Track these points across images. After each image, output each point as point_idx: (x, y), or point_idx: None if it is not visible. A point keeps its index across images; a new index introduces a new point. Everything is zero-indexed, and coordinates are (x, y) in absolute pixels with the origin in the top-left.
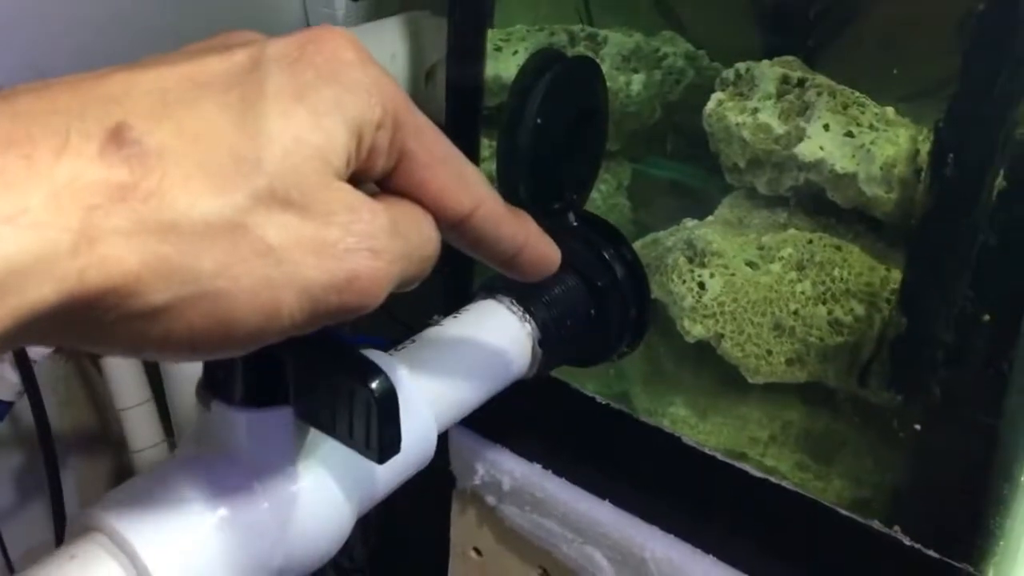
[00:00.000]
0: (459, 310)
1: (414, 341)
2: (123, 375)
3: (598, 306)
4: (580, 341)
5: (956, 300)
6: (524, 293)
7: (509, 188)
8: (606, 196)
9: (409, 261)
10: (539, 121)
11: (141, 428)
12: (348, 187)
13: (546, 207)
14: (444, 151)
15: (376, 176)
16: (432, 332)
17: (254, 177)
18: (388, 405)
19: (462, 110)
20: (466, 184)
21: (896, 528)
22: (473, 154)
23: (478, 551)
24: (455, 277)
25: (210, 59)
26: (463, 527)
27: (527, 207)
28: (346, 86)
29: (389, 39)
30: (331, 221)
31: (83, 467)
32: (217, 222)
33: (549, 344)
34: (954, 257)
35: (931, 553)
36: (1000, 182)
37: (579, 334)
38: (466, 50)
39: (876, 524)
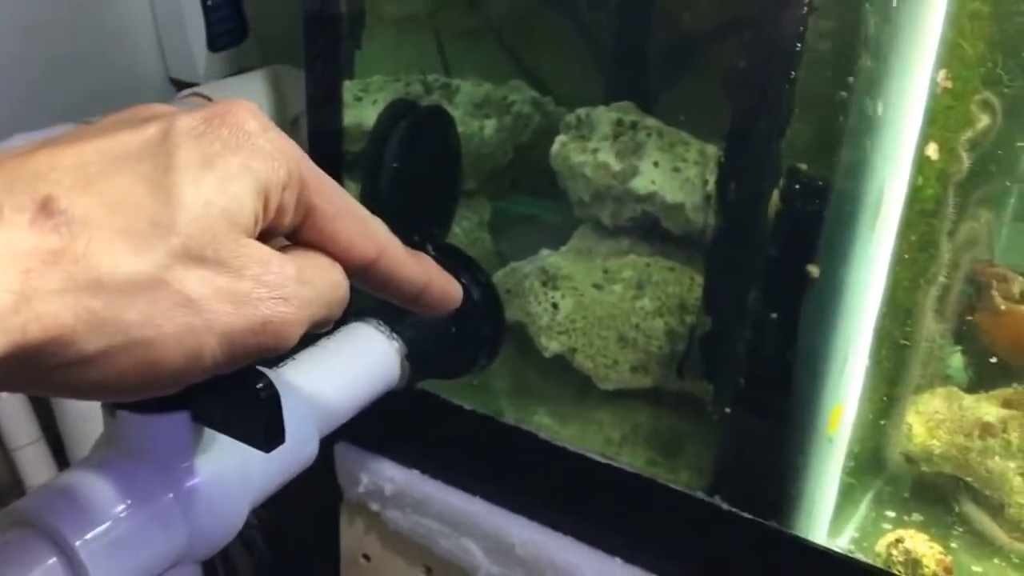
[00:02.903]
0: (332, 332)
1: (294, 359)
2: (13, 415)
3: (457, 325)
4: (443, 356)
5: (748, 302)
6: (391, 315)
7: None
8: (468, 231)
9: (318, 305)
10: (396, 165)
11: (35, 466)
12: (257, 243)
13: (407, 241)
14: (347, 205)
15: (285, 231)
16: (309, 351)
17: (170, 238)
18: (272, 401)
19: (324, 156)
20: (370, 233)
21: (717, 497)
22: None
23: (367, 557)
24: None
25: (125, 134)
26: (352, 536)
27: None
28: (252, 153)
29: (253, 92)
30: (243, 274)
31: None
32: (139, 279)
33: (415, 359)
34: (743, 266)
35: (745, 515)
36: (776, 203)
37: (442, 350)
38: (325, 101)
39: (700, 495)
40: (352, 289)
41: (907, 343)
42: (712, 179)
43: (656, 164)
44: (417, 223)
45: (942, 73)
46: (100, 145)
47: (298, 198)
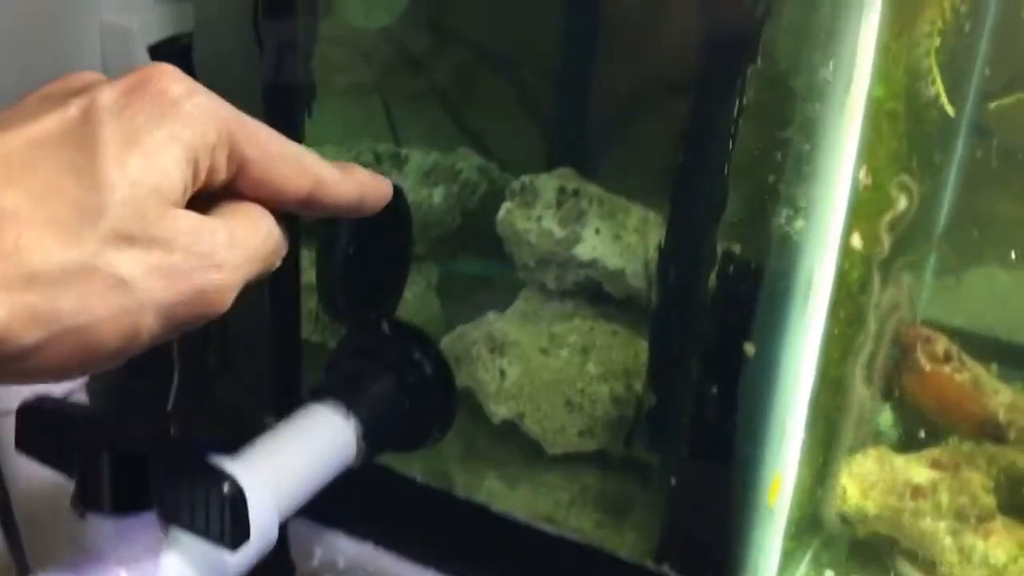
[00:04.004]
0: (290, 414)
1: (253, 445)
2: None
3: (411, 400)
4: (399, 431)
5: (689, 378)
6: (347, 394)
7: (329, 301)
8: (417, 295)
9: (253, 263)
10: (349, 239)
11: None
12: (186, 213)
13: (363, 317)
14: (277, 147)
15: (220, 186)
16: (268, 436)
17: (98, 223)
18: (237, 503)
19: None
20: (301, 169)
21: (664, 565)
22: (294, 264)
23: None
24: (284, 385)
25: (46, 118)
26: None
27: (346, 319)
28: (178, 121)
29: None
30: (174, 247)
31: None
32: (71, 268)
33: (371, 437)
34: (684, 344)
35: None
36: (712, 282)
37: (397, 426)
38: None
39: (649, 563)
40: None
41: (839, 413)
42: (651, 246)
43: (597, 231)
44: (371, 295)
45: (863, 170)
46: (22, 135)
47: (229, 155)
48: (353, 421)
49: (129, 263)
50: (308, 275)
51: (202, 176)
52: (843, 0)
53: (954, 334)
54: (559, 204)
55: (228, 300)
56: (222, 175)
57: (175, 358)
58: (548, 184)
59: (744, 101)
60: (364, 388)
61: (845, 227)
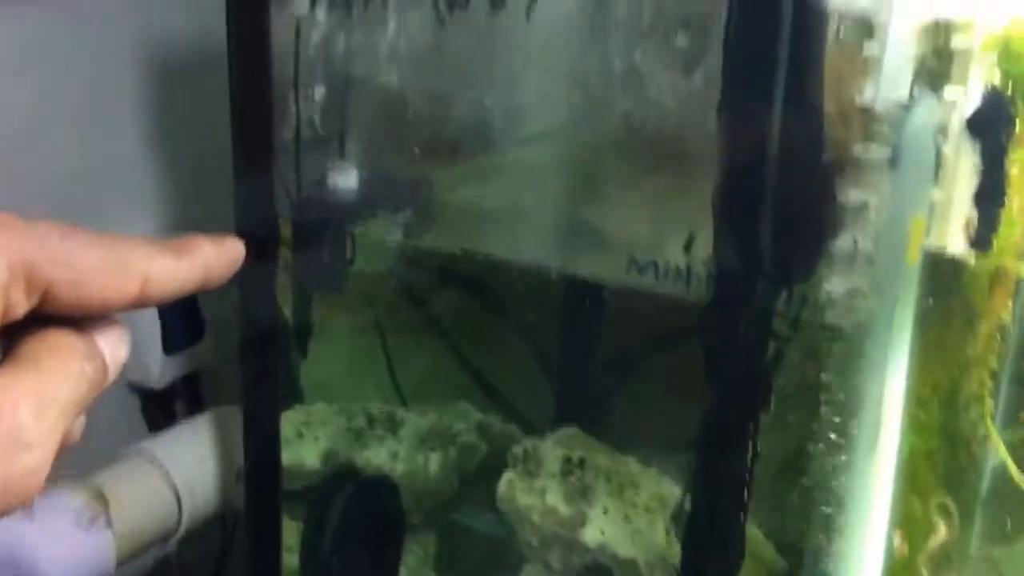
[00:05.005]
0: None
1: None
2: None
3: None
4: None
5: None
6: None
7: None
8: (413, 569)
9: (67, 418)
10: (336, 533)
11: None
12: None
13: None
14: (89, 258)
15: (21, 317)
16: None
17: None
18: None
19: (262, 501)
20: (123, 273)
21: None
22: (275, 542)
23: None
24: None
25: None
26: None
27: None
28: None
29: (198, 441)
30: None
31: None
32: None
33: None
34: None
35: None
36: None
37: None
38: (261, 441)
39: None
40: None
41: None
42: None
43: (606, 511)
44: None
45: (897, 535)
46: None
47: (28, 286)
48: None
49: None
50: (291, 556)
51: None
52: (865, 363)
53: None
54: (564, 475)
55: (41, 481)
56: (22, 309)
57: None
58: (552, 453)
59: (756, 448)
60: None
61: None
